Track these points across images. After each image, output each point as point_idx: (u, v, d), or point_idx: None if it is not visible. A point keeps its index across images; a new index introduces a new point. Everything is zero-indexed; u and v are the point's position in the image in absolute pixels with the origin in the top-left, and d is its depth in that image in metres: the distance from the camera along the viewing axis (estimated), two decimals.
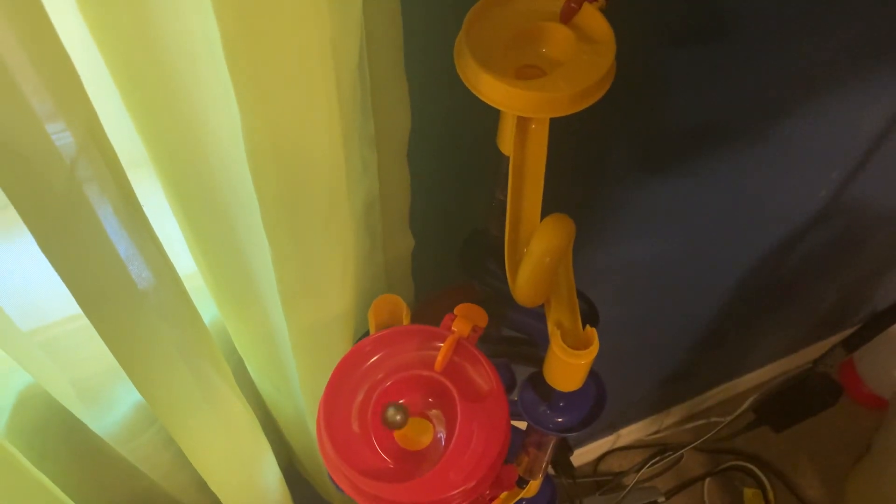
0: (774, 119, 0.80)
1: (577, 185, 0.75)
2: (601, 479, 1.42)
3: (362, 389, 0.37)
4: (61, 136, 0.33)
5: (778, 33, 0.68)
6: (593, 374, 0.54)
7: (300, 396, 0.59)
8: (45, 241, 0.36)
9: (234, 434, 0.59)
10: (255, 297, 0.53)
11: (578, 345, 0.47)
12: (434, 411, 0.37)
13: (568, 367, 0.48)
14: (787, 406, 1.17)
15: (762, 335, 1.42)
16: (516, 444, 0.65)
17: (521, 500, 0.72)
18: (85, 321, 0.42)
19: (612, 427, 1.52)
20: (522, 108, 0.41)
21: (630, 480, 1.36)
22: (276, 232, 0.43)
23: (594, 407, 0.53)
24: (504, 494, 0.67)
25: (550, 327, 0.49)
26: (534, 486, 0.68)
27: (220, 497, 0.64)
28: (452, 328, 0.44)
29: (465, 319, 0.45)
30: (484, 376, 0.39)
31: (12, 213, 0.34)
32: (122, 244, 0.40)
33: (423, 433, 0.39)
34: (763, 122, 0.79)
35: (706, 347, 1.30)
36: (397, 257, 0.59)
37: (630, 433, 1.55)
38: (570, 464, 1.07)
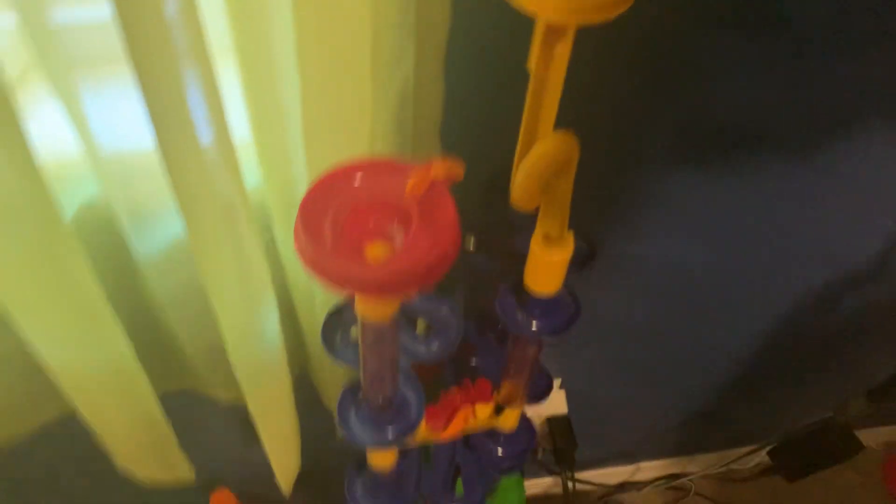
0: (828, 136, 0.79)
1: (613, 168, 0.79)
2: (603, 489, 1.42)
3: (339, 207, 0.42)
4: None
5: (844, 38, 0.68)
6: (571, 294, 0.59)
7: None
8: (145, 87, 0.47)
9: (252, 289, 0.67)
10: (291, 163, 0.61)
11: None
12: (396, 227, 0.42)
13: (545, 266, 0.53)
14: (802, 455, 1.15)
15: (803, 395, 1.39)
16: (496, 375, 0.69)
17: (499, 435, 0.76)
18: (155, 158, 0.53)
19: (631, 457, 1.51)
20: (552, 10, 0.46)
21: (632, 498, 1.36)
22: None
23: (569, 317, 0.58)
24: (482, 415, 0.72)
25: (535, 233, 0.54)
26: (511, 417, 0.72)
27: (226, 341, 0.71)
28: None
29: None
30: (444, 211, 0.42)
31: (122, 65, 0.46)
32: (197, 105, 0.50)
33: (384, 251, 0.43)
34: (815, 136, 0.79)
35: (743, 397, 1.28)
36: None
37: (650, 468, 1.53)
38: (572, 458, 1.09)
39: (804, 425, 1.14)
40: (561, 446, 1.11)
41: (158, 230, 0.65)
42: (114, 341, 0.71)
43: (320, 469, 0.98)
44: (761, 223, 0.91)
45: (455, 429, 0.68)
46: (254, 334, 0.70)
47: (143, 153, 0.59)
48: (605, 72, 0.69)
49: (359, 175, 0.43)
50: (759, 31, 0.68)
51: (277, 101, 0.58)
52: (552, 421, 1.13)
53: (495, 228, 0.67)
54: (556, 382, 1.14)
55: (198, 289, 0.66)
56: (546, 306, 0.57)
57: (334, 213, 0.42)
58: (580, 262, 0.60)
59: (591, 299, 0.95)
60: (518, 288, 0.59)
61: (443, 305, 0.63)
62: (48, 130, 0.62)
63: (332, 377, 0.86)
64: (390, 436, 0.59)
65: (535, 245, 0.53)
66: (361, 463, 0.71)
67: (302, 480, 0.94)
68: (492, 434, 0.76)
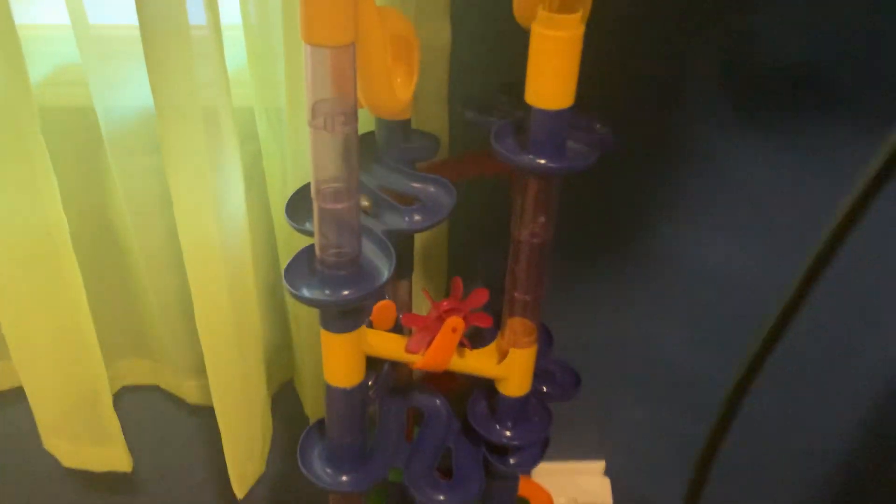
0: None
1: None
2: None
3: None
4: None
5: None
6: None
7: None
8: None
9: (222, 192, 0.59)
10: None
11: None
12: None
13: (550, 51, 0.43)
14: None
15: None
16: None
17: (504, 413, 0.59)
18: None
19: None
20: None
21: None
22: None
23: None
24: (481, 357, 0.56)
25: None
26: (518, 367, 0.56)
27: (184, 249, 0.60)
28: None
29: None
30: None
31: None
32: None
33: None
34: None
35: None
36: (431, 47, 0.58)
37: None
38: None
39: None
40: None
41: (128, 102, 0.59)
42: (72, 286, 0.62)
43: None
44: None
45: (441, 353, 0.52)
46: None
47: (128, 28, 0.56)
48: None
49: None
50: None
51: None
52: None
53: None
54: (599, 466, 0.93)
55: (162, 195, 0.59)
56: (550, 124, 0.46)
57: None
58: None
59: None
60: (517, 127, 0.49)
61: (433, 183, 0.52)
62: None
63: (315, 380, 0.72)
64: (348, 293, 0.46)
65: (538, 25, 0.43)
66: (322, 424, 0.56)
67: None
68: (494, 410, 0.59)
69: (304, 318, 0.70)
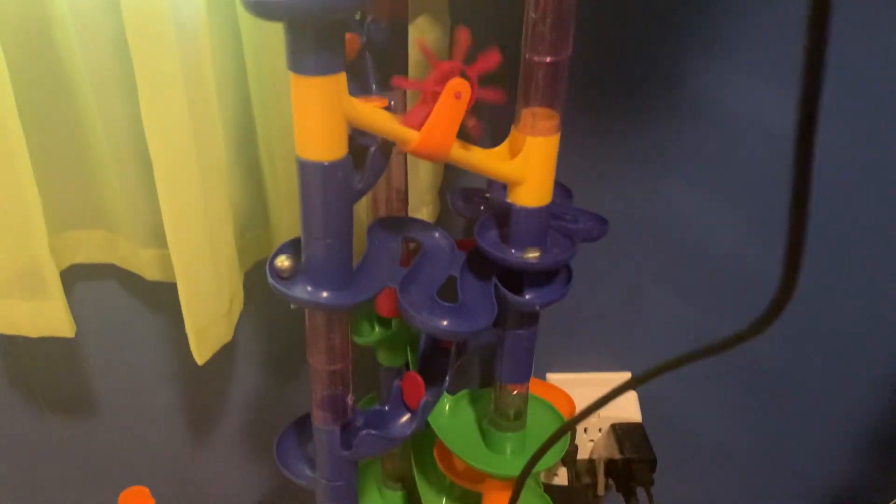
0: None
1: None
2: None
3: None
4: None
5: None
6: None
7: None
8: None
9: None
10: None
11: None
12: None
13: None
14: None
15: None
16: None
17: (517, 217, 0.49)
18: None
19: None
20: None
21: None
22: None
23: None
24: (494, 154, 0.46)
25: None
26: (540, 152, 0.46)
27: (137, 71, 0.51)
28: None
29: None
30: None
31: None
32: None
33: None
34: None
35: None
36: None
37: None
38: (650, 478, 0.77)
39: None
40: (635, 458, 0.76)
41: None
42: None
43: None
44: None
45: (441, 126, 0.42)
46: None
47: None
48: None
49: None
50: None
51: None
52: (619, 430, 0.79)
53: None
54: (624, 377, 0.82)
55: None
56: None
57: None
58: None
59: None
60: None
61: None
62: None
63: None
64: None
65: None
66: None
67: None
68: (507, 238, 0.49)
69: (281, 169, 0.60)
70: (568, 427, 0.42)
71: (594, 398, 0.83)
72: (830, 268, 0.75)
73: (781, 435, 0.87)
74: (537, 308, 0.51)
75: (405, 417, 0.53)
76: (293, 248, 0.47)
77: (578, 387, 0.74)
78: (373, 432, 0.50)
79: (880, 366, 0.82)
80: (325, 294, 0.44)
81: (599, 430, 0.80)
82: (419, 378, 0.52)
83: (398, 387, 0.54)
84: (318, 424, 0.51)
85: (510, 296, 0.49)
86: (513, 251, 0.49)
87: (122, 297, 0.69)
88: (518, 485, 0.48)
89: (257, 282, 0.68)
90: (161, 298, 0.68)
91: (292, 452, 0.56)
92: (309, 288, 0.45)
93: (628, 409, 0.81)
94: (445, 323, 0.46)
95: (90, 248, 0.66)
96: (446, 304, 0.47)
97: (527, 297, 0.50)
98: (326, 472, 0.52)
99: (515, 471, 0.54)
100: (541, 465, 0.58)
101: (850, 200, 0.71)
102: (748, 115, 0.67)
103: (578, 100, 0.63)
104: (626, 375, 0.82)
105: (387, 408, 0.54)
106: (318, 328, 0.47)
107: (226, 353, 0.73)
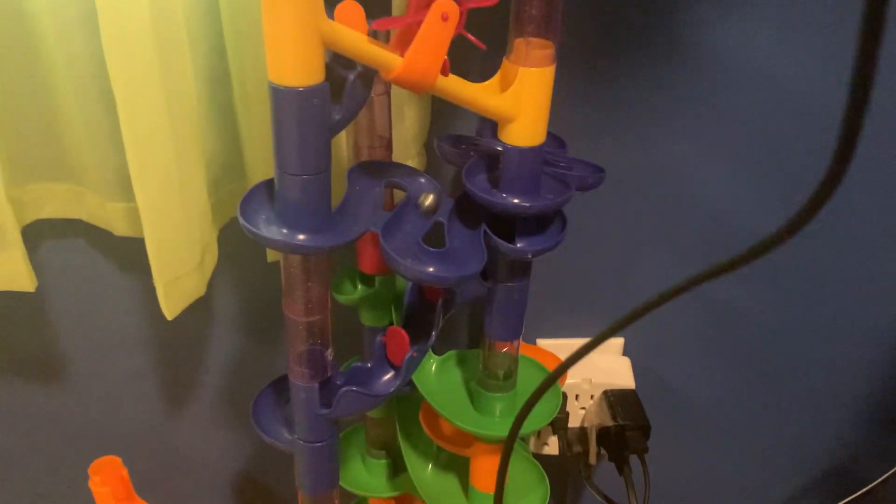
0: None
1: None
2: None
3: None
4: None
5: None
6: None
7: None
8: None
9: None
10: None
11: None
12: None
13: None
14: None
15: None
16: None
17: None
18: None
19: None
20: None
21: None
22: None
23: None
24: (484, 92, 0.43)
25: None
26: (536, 85, 0.43)
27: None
28: None
29: None
30: None
31: None
32: None
33: None
34: None
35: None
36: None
37: None
38: (644, 445, 0.74)
39: None
40: (628, 425, 0.73)
41: None
42: None
43: None
44: None
45: (426, 50, 0.39)
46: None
47: None
48: None
49: None
50: None
51: None
52: (612, 396, 0.76)
53: None
54: (617, 343, 0.80)
55: None
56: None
57: None
58: None
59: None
60: None
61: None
62: None
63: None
64: None
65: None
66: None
67: None
68: (497, 182, 0.46)
69: (257, 113, 0.56)
70: (560, 372, 0.38)
71: (587, 364, 0.80)
72: (830, 231, 0.73)
73: (778, 400, 0.85)
74: (529, 257, 0.48)
75: (389, 374, 0.50)
76: (268, 189, 0.43)
77: (570, 352, 0.71)
78: (354, 389, 0.47)
79: (879, 330, 0.80)
80: (301, 237, 0.41)
81: (591, 397, 0.77)
82: (404, 333, 0.49)
83: (381, 342, 0.50)
84: (295, 381, 0.48)
85: (501, 243, 0.46)
86: (503, 195, 0.45)
87: (90, 255, 0.65)
88: (508, 442, 0.46)
89: (233, 238, 0.65)
90: (131, 256, 0.64)
91: (270, 414, 0.53)
92: (284, 230, 0.41)
93: (622, 375, 0.78)
94: (432, 269, 0.43)
95: (56, 202, 0.62)
96: (433, 249, 0.44)
97: (518, 245, 0.47)
98: (305, 433, 0.49)
99: (505, 432, 0.51)
100: (531, 426, 0.55)
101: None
102: (752, 64, 0.64)
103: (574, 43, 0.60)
104: (619, 341, 0.79)
105: (370, 364, 0.50)
106: (295, 275, 0.44)
107: (201, 314, 0.69)
